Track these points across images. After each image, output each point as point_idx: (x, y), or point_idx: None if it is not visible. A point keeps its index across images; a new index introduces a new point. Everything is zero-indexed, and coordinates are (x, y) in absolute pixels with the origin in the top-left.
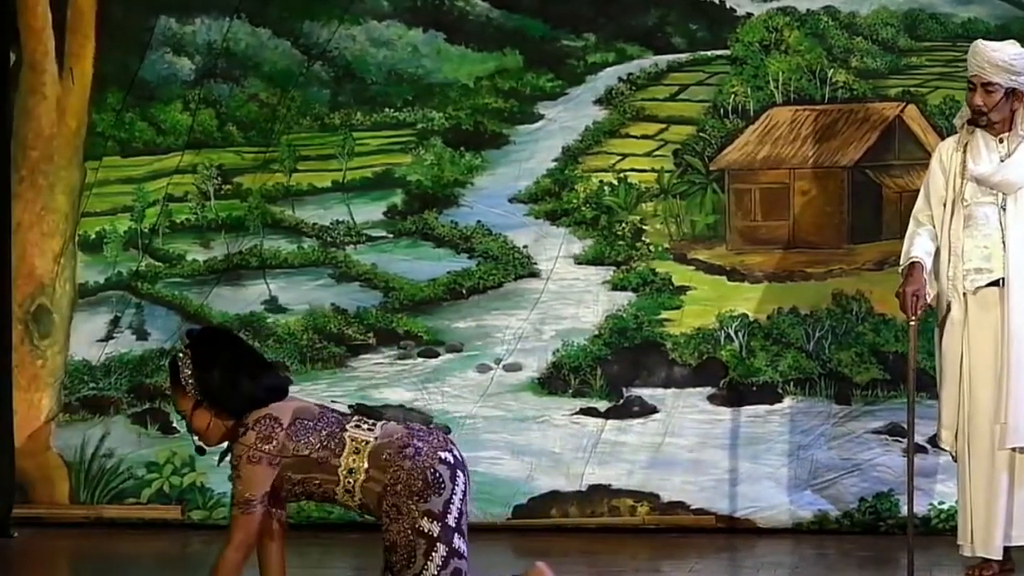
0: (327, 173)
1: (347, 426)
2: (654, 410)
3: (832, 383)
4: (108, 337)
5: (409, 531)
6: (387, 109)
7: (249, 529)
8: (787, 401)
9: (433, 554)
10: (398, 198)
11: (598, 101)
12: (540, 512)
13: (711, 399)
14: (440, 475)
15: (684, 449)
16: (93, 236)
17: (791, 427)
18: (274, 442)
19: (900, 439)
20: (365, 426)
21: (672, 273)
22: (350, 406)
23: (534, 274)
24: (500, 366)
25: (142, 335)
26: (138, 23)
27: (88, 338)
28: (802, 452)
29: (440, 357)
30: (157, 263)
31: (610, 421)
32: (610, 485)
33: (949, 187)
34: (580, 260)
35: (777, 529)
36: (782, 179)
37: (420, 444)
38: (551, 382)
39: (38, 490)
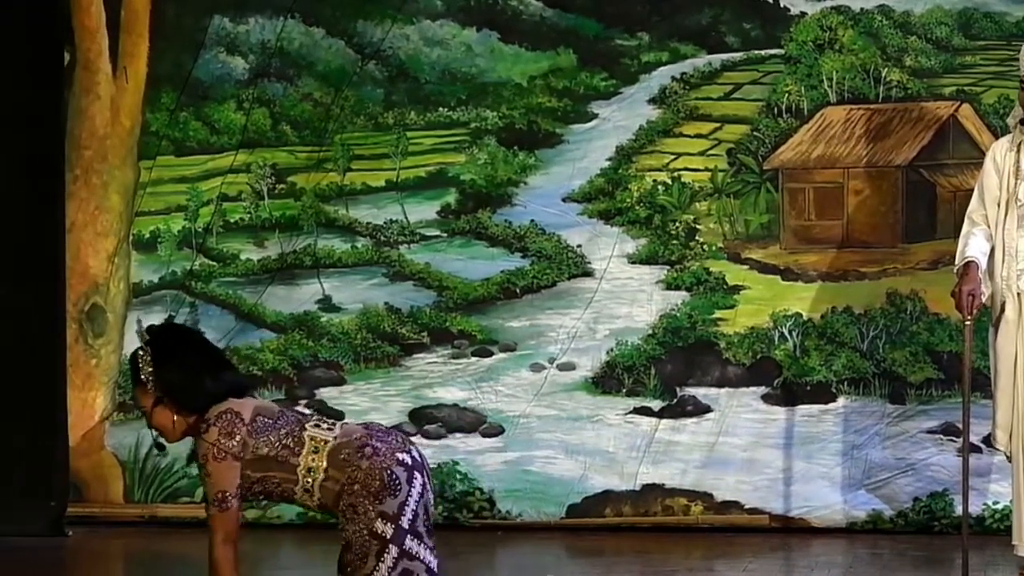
0: (381, 172)
1: (307, 425)
2: (708, 409)
3: (886, 383)
4: None
5: (364, 531)
6: (441, 108)
7: (229, 525)
8: (841, 400)
9: (385, 555)
10: (452, 197)
11: (652, 100)
12: (594, 511)
13: (765, 398)
14: (396, 476)
15: (738, 448)
16: (147, 235)
17: (845, 427)
18: (237, 438)
19: (955, 439)
20: (324, 425)
21: (726, 272)
22: (308, 405)
23: (588, 273)
24: (554, 365)
25: None
26: (192, 23)
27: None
28: (856, 452)
29: (494, 356)
30: (211, 262)
31: (664, 420)
32: (664, 484)
33: (1003, 187)
34: (634, 259)
35: (831, 529)
36: (836, 178)
37: (378, 444)
38: (605, 381)
39: (92, 489)
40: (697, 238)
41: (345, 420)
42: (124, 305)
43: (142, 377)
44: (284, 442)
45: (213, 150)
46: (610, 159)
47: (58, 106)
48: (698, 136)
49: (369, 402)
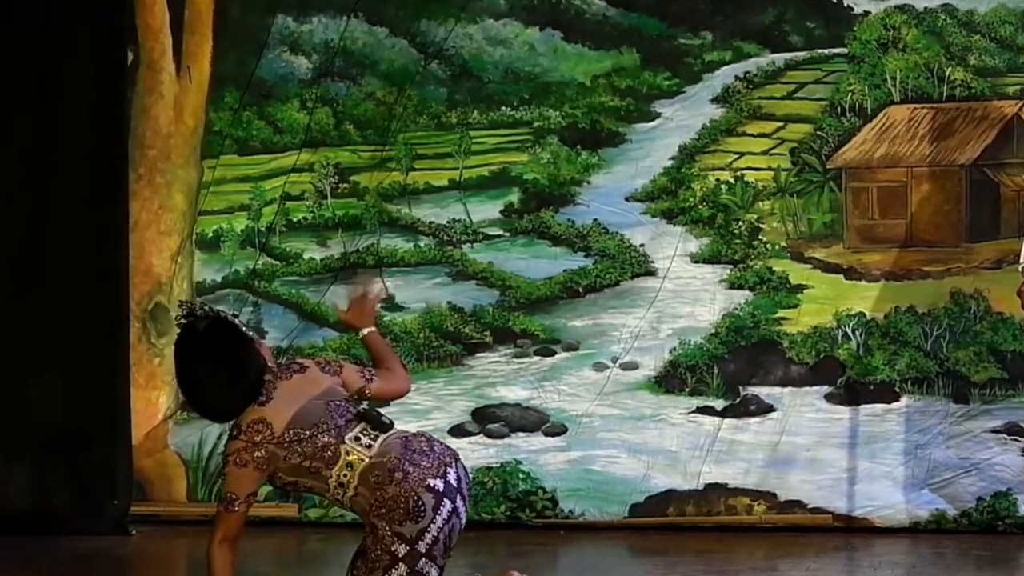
0: (444, 172)
1: (346, 438)
2: (771, 409)
3: (950, 382)
4: None
5: (379, 548)
6: (504, 107)
7: (229, 526)
8: (904, 400)
9: (392, 571)
10: (515, 196)
11: (715, 99)
12: (657, 511)
13: (828, 398)
14: (422, 504)
15: (801, 448)
16: (210, 234)
17: (909, 426)
18: (262, 450)
19: (1019, 438)
20: (365, 439)
21: (789, 272)
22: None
23: (651, 272)
24: (617, 365)
25: (259, 333)
26: (255, 22)
27: None
28: (920, 451)
29: (556, 356)
30: (274, 261)
31: (727, 420)
32: (727, 484)
33: None
34: (697, 259)
35: (894, 528)
36: (899, 177)
37: (411, 469)
38: (668, 381)
39: (156, 488)
40: (760, 237)
41: (391, 432)
42: None
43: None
44: (319, 454)
45: (276, 149)
46: (673, 158)
47: (122, 105)
48: (761, 135)
49: (432, 401)
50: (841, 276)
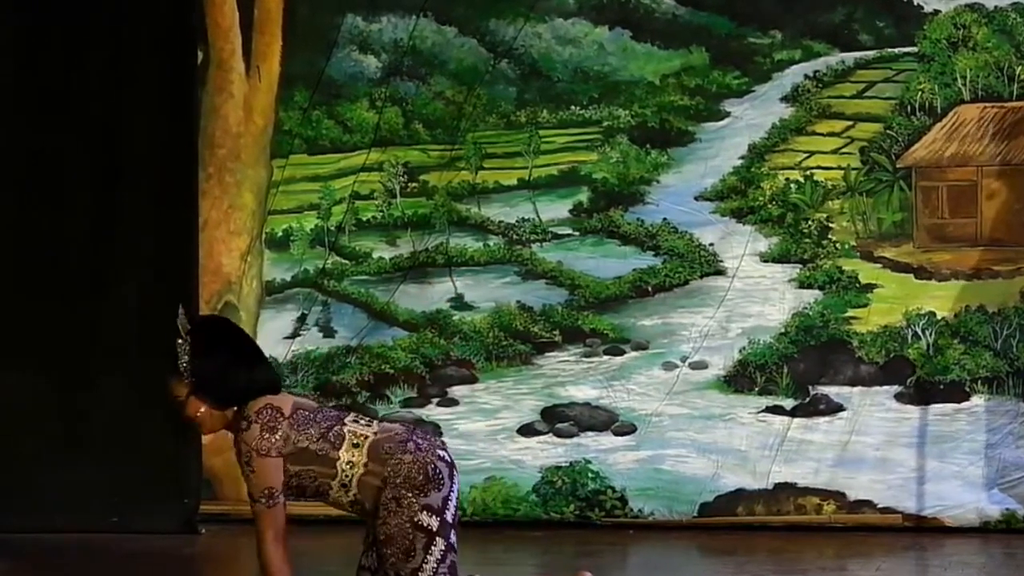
0: (513, 171)
1: (346, 420)
2: (840, 408)
3: (1021, 381)
4: (295, 334)
5: (407, 524)
6: (573, 107)
7: (279, 521)
8: (975, 399)
9: (432, 548)
10: (584, 196)
11: (784, 98)
12: (726, 510)
13: (898, 397)
14: (440, 471)
15: (871, 447)
16: (280, 234)
17: (979, 426)
18: (279, 432)
19: None
20: (363, 421)
21: (859, 271)
22: (345, 406)
23: (720, 272)
24: (686, 364)
25: (329, 333)
26: (325, 21)
27: (275, 335)
28: (990, 451)
29: (626, 355)
30: (343, 261)
31: (796, 419)
32: (796, 483)
33: None
34: (766, 258)
35: (964, 528)
36: (970, 177)
37: (420, 441)
38: (737, 380)
39: (225, 487)
40: (830, 236)
41: (383, 418)
42: (257, 303)
43: (179, 367)
44: (325, 435)
45: (346, 149)
46: (742, 157)
47: (191, 105)
48: (831, 134)
49: (501, 400)
50: (911, 275)
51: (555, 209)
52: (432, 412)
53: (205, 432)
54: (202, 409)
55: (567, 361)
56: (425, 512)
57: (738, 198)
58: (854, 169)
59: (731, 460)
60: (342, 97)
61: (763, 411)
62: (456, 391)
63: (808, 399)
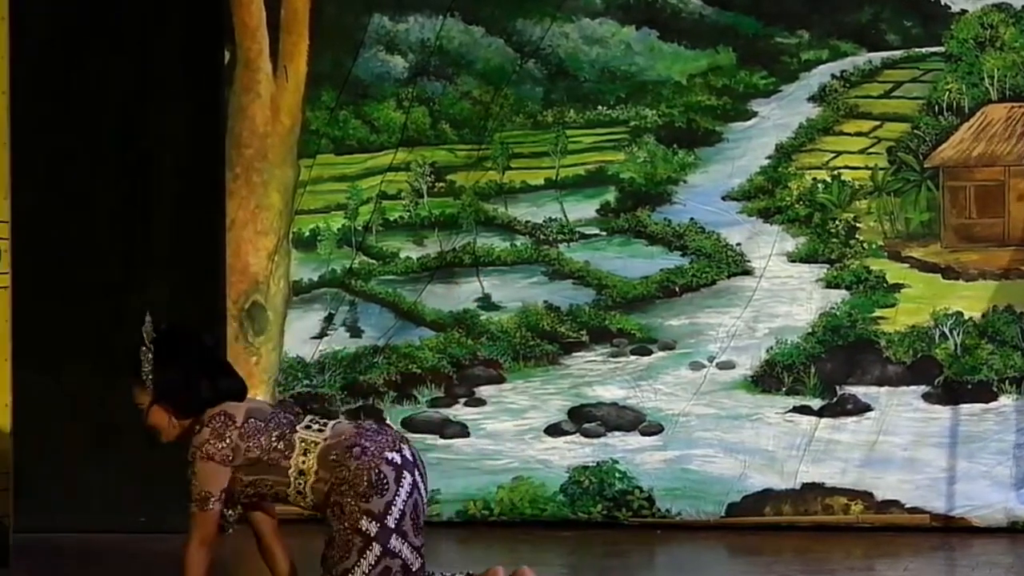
0: (540, 171)
1: (298, 427)
2: (868, 408)
3: None
4: (322, 334)
5: (348, 529)
6: (600, 107)
7: (208, 527)
8: (1003, 399)
9: (367, 552)
10: (611, 196)
11: (812, 98)
12: (753, 510)
13: (926, 397)
14: (384, 476)
15: (898, 447)
16: (307, 234)
17: (1007, 426)
18: (227, 440)
19: None
20: (316, 427)
21: (886, 271)
22: (303, 407)
23: (747, 272)
24: (713, 364)
25: (356, 332)
26: (352, 21)
27: (302, 335)
28: (1018, 451)
29: (653, 355)
30: (371, 260)
31: (824, 419)
32: (824, 483)
33: None
34: (793, 258)
35: (993, 528)
36: (997, 176)
37: (367, 444)
38: (764, 380)
39: None
40: (857, 236)
41: (339, 420)
42: (284, 303)
43: (142, 376)
44: (275, 445)
45: (373, 148)
46: (770, 157)
47: (218, 105)
48: (858, 134)
49: (528, 400)
50: (938, 275)
51: (582, 209)
52: (459, 412)
53: (164, 439)
54: (164, 417)
55: (594, 361)
56: (366, 517)
57: (765, 198)
58: (881, 169)
59: (758, 460)
60: (369, 97)
61: (790, 411)
62: (483, 391)
63: (835, 399)
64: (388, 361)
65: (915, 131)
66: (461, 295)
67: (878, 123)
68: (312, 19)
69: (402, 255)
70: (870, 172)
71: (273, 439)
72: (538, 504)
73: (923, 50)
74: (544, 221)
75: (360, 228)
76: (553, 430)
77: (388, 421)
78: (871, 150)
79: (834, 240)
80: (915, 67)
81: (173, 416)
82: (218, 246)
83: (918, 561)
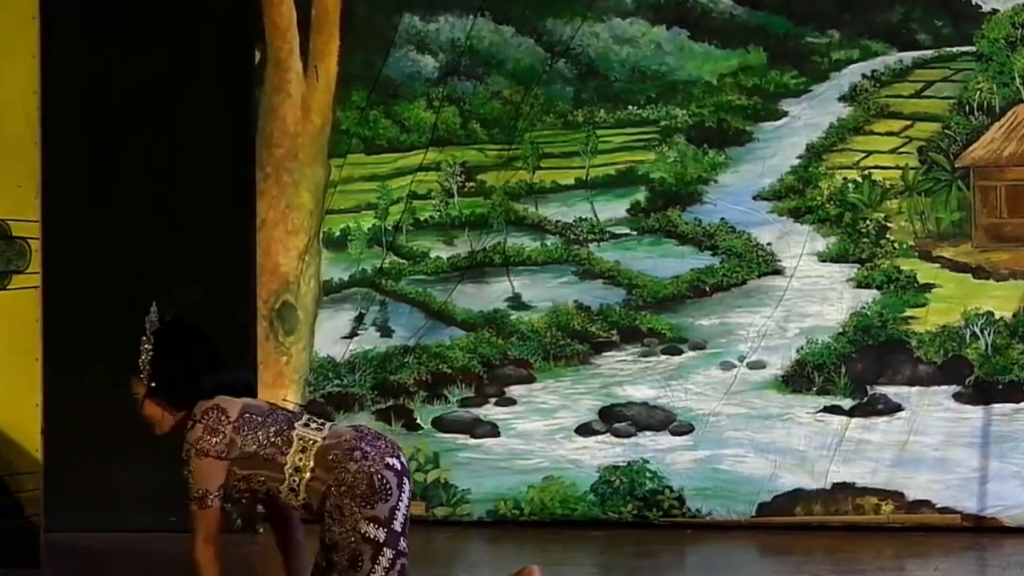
0: (570, 170)
1: (296, 424)
2: (899, 408)
3: None
4: (352, 334)
5: (351, 533)
6: (630, 106)
7: (210, 523)
8: None
9: (380, 558)
10: (641, 195)
11: (842, 98)
12: (784, 510)
13: (957, 397)
14: (387, 481)
15: (929, 447)
16: (337, 233)
17: None
18: (221, 435)
19: None
20: (314, 425)
21: (917, 271)
22: (302, 406)
23: (778, 271)
24: (744, 363)
25: (386, 332)
26: (382, 21)
27: (332, 335)
28: None
29: (683, 354)
30: (401, 260)
31: (854, 419)
32: (854, 483)
33: None
34: (824, 257)
35: None
36: None
37: (368, 448)
38: (795, 380)
39: None
40: (888, 236)
41: (335, 422)
42: (314, 303)
43: (139, 367)
44: (272, 440)
45: (403, 148)
46: (800, 157)
47: (248, 105)
48: (889, 134)
49: (559, 400)
50: (969, 275)
51: (612, 209)
52: (490, 411)
53: (160, 432)
54: (157, 409)
55: (625, 361)
56: (371, 524)
57: (796, 198)
58: (912, 169)
59: (789, 460)
60: (399, 97)
61: (821, 411)
62: (514, 391)
63: (866, 399)
64: (418, 361)
65: (946, 131)
66: (491, 295)
67: (909, 123)
68: (343, 19)
69: (432, 255)
70: (901, 172)
71: (271, 433)
72: (568, 504)
73: (954, 50)
74: (574, 221)
75: (390, 228)
76: (584, 430)
77: (419, 420)
78: (902, 150)
79: (865, 240)
80: (946, 67)
81: (166, 409)
82: (249, 246)
83: (949, 561)
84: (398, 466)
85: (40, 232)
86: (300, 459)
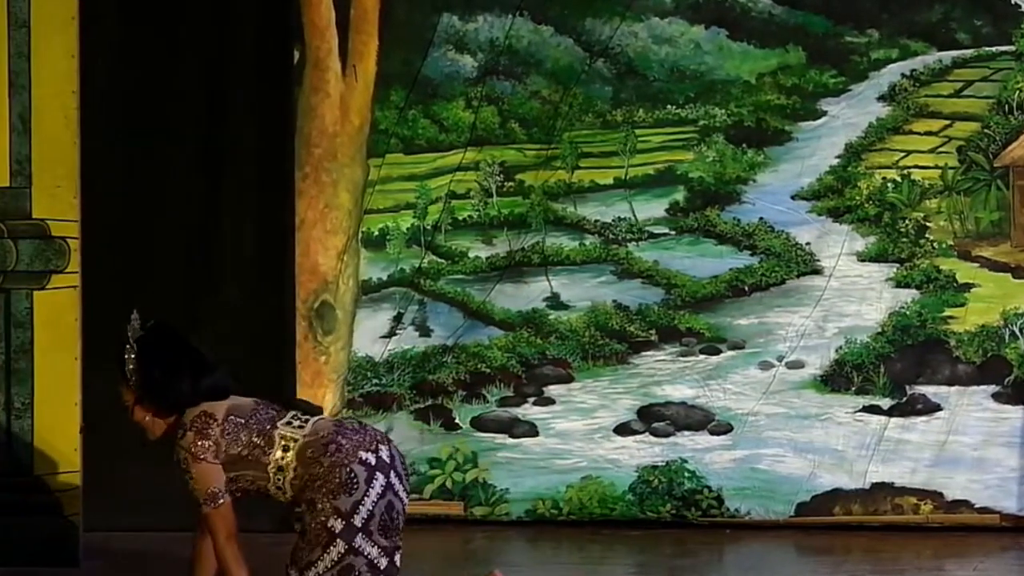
0: (609, 170)
1: (278, 423)
2: (938, 408)
3: None
4: (391, 334)
5: (319, 526)
6: (669, 106)
7: (228, 520)
8: None
9: (331, 548)
10: (680, 195)
11: (881, 98)
12: (823, 510)
13: (996, 397)
14: (355, 475)
15: (968, 447)
16: (376, 233)
17: None
18: (211, 439)
19: None
20: (297, 423)
21: (956, 270)
22: (288, 401)
23: (817, 271)
24: (782, 363)
25: (425, 332)
26: (421, 21)
27: (371, 335)
28: None
29: (722, 354)
30: (440, 260)
31: (893, 419)
32: (893, 483)
33: None
34: (863, 257)
35: None
36: None
37: (343, 442)
38: (834, 379)
39: None
40: (927, 236)
41: (321, 417)
42: (353, 303)
43: (126, 375)
44: (255, 441)
45: (442, 148)
46: (839, 156)
47: (287, 104)
48: (928, 133)
49: (597, 400)
50: (1008, 275)
51: (651, 208)
52: (528, 411)
53: (151, 437)
54: (147, 416)
55: (663, 360)
56: (334, 515)
57: (835, 197)
58: (951, 168)
59: (828, 460)
60: (438, 96)
61: (860, 411)
62: (552, 390)
63: (905, 399)
64: (457, 360)
65: (985, 130)
66: (530, 294)
67: (948, 122)
68: (381, 18)
69: (471, 254)
70: (940, 171)
71: (254, 436)
72: (607, 503)
73: (993, 49)
74: (613, 220)
75: (429, 227)
76: (622, 429)
77: (457, 420)
78: (941, 149)
79: (904, 239)
80: (985, 66)
81: (155, 415)
82: (287, 245)
83: (988, 561)
84: (372, 460)
85: (79, 232)
86: (283, 458)
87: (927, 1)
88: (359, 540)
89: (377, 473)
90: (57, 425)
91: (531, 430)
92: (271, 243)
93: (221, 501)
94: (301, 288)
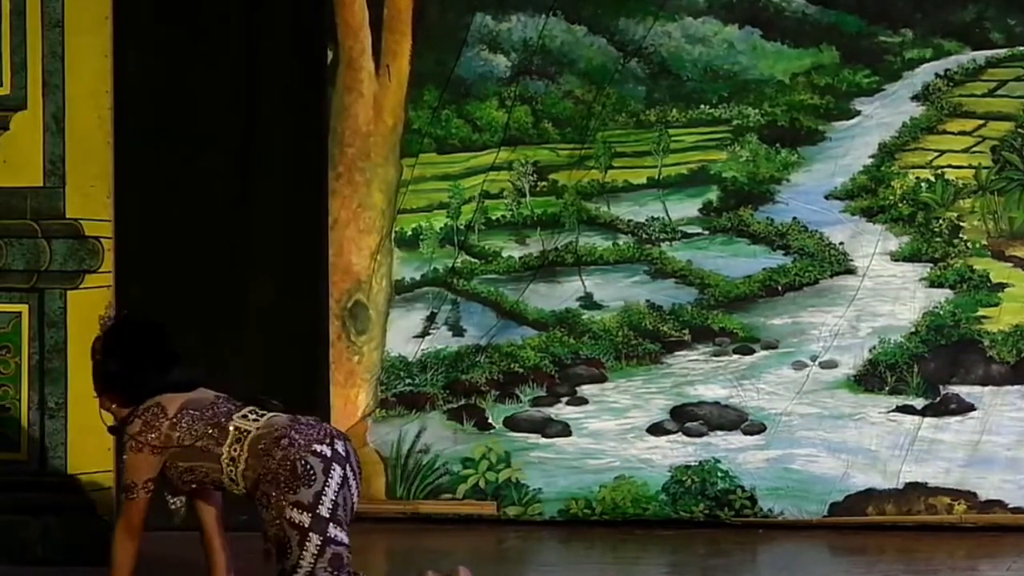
0: (642, 170)
1: (234, 416)
2: (971, 408)
3: None
4: (424, 333)
5: (279, 520)
6: (702, 106)
7: (132, 514)
8: None
9: (307, 543)
10: (713, 195)
11: (915, 97)
12: (856, 510)
13: None
14: (311, 467)
15: (1002, 447)
16: (409, 233)
17: None
18: (156, 432)
19: None
20: (252, 417)
21: (990, 270)
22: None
23: (850, 271)
24: (816, 363)
25: (458, 332)
26: (454, 21)
27: (404, 334)
28: None
29: (755, 354)
30: (473, 260)
31: (927, 419)
32: (927, 483)
33: None
34: (896, 257)
35: None
36: None
37: (296, 436)
38: (867, 379)
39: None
40: (961, 235)
41: (277, 414)
42: (386, 302)
43: (93, 364)
44: (209, 432)
45: (475, 148)
46: (873, 156)
47: (321, 104)
48: (962, 133)
49: (630, 399)
50: None
51: (684, 208)
52: (561, 411)
53: (109, 424)
54: (112, 405)
55: (696, 360)
56: (295, 509)
57: (868, 197)
58: (985, 168)
59: (861, 460)
60: (471, 96)
61: (893, 411)
62: (585, 390)
63: (939, 399)
64: (490, 360)
65: (1019, 130)
66: (563, 294)
67: (982, 122)
68: (415, 18)
69: (504, 254)
70: (974, 171)
71: (208, 427)
72: (640, 503)
73: None
74: (646, 220)
75: (462, 227)
76: (655, 429)
77: (491, 420)
78: (975, 149)
79: (937, 239)
80: (1019, 66)
81: (119, 405)
82: (321, 245)
83: (1021, 561)
84: (328, 452)
85: (112, 231)
86: (235, 450)
87: (961, 1)
88: (332, 529)
89: (334, 464)
90: (90, 425)
91: (564, 430)
92: (304, 243)
93: (134, 496)
94: (334, 288)
